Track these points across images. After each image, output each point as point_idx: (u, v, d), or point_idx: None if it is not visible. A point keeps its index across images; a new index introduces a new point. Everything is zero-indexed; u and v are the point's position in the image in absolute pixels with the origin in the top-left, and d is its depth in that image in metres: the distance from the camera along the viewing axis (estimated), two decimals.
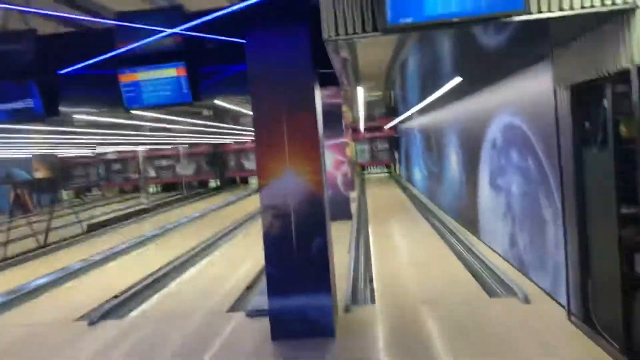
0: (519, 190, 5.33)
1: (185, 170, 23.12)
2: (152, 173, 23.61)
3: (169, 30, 3.96)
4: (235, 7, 3.71)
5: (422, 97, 8.45)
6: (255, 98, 3.94)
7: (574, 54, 3.36)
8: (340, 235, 6.22)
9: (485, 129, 6.32)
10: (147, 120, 14.66)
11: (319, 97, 4.16)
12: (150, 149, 22.56)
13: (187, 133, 17.53)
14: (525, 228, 5.23)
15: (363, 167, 23.53)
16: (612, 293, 3.30)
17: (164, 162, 23.53)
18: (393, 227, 9.12)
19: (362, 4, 2.63)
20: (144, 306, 5.50)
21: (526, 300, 4.42)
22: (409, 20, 2.47)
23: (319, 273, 3.95)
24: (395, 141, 21.87)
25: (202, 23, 3.88)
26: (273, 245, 3.98)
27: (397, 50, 10.89)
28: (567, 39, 3.42)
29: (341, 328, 4.10)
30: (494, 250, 6.29)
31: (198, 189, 22.74)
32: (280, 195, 3.92)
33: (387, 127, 21.18)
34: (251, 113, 4.06)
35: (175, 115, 12.46)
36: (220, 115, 18.89)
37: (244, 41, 3.95)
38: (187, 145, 22.77)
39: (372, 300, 4.99)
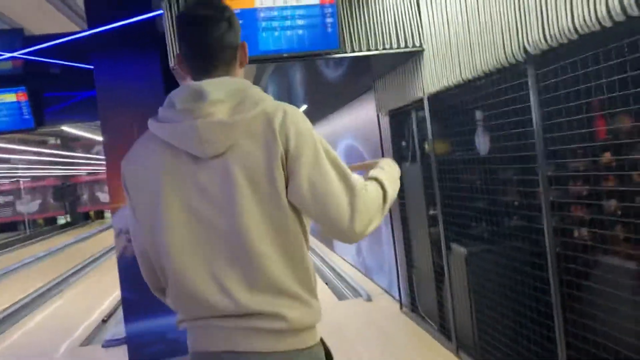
0: None
1: (28, 206, 20.67)
2: None
3: (8, 55, 3.83)
4: (80, 34, 3.76)
5: None
6: (105, 123, 3.97)
7: (389, 85, 4.08)
8: None
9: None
10: None
11: None
12: None
13: (30, 164, 15.89)
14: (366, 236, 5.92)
15: None
16: (428, 283, 3.99)
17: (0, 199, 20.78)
18: None
19: None
20: None
21: (368, 299, 5.03)
22: None
23: None
24: None
25: (47, 47, 3.84)
26: (127, 269, 3.97)
27: (257, 81, 11.43)
28: (384, 72, 4.14)
29: None
30: (345, 260, 6.94)
31: (44, 226, 20.48)
32: None
33: None
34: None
35: (16, 144, 11.33)
36: (70, 144, 17.49)
37: (91, 67, 3.98)
38: (29, 178, 20.47)
39: None
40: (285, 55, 2.91)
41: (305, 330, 1.12)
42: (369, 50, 3.14)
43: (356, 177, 1.13)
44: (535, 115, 2.20)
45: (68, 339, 4.97)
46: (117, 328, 5.06)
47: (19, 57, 4.06)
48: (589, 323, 2.10)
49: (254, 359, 1.08)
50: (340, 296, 5.45)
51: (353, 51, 3.11)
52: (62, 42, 3.75)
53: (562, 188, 2.20)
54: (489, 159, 2.93)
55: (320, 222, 1.09)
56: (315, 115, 7.26)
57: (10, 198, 20.75)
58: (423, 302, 4.20)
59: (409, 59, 3.50)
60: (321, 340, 1.18)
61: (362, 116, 5.35)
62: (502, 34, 2.32)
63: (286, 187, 1.06)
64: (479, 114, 3.16)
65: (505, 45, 2.31)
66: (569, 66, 1.99)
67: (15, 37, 4.38)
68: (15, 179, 20.05)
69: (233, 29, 1.17)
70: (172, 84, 4.23)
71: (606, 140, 2.01)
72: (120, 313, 5.85)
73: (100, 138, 9.57)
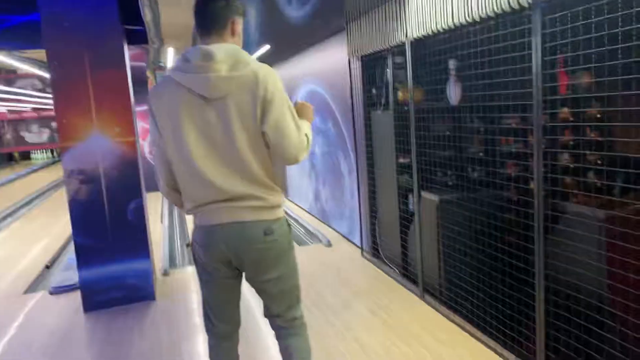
0: (321, 150, 5.97)
1: None
2: None
3: None
4: None
5: None
6: (53, 54, 3.52)
7: (363, 28, 3.92)
8: (151, 206, 6.04)
9: (292, 96, 6.81)
10: None
11: (128, 54, 3.95)
12: None
13: None
14: (326, 183, 5.91)
15: None
16: (392, 229, 4.06)
17: None
18: None
19: None
20: None
21: (329, 244, 5.07)
22: None
23: (137, 236, 3.85)
24: None
25: None
26: (81, 213, 3.71)
27: None
28: (358, 15, 3.96)
29: (160, 290, 4.10)
30: (302, 207, 6.93)
31: None
32: (88, 159, 3.66)
33: None
34: (35, 72, 3.63)
35: None
36: None
37: None
38: None
39: (191, 263, 5.05)
40: None
41: (276, 207, 1.81)
42: None
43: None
44: (535, 63, 2.18)
45: (7, 286, 4.65)
46: (63, 274, 4.80)
47: None
48: (567, 266, 2.20)
49: (248, 225, 1.76)
50: (300, 242, 5.45)
51: None
52: None
53: (553, 138, 2.23)
54: (467, 107, 2.92)
55: (276, 145, 1.71)
56: (277, 57, 6.95)
57: None
58: (385, 248, 4.29)
59: (391, 0, 3.35)
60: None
61: (329, 60, 5.17)
62: None
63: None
64: (452, 63, 3.13)
65: None
66: (580, 13, 1.95)
67: None
68: None
69: (228, 6, 1.77)
70: (127, 13, 3.82)
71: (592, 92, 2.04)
72: (63, 259, 5.56)
73: (29, 70, 8.66)
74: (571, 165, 2.20)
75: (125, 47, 3.82)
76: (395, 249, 4.07)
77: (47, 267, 5.24)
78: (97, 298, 3.81)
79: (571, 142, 2.21)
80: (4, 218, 8.31)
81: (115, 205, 3.76)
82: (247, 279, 1.90)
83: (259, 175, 1.73)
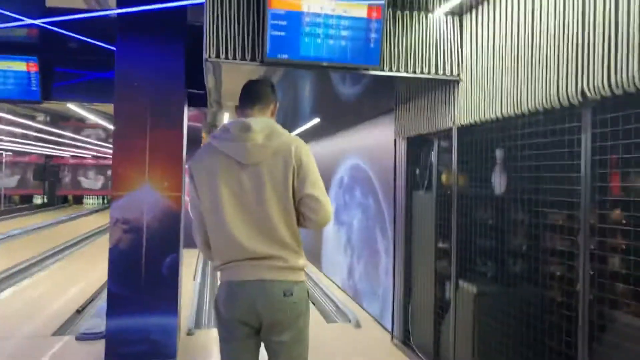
0: (359, 225, 5.94)
1: (6, 181, 20.04)
2: None
3: (30, 21, 3.66)
4: (108, 12, 3.63)
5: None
6: (119, 107, 3.81)
7: (412, 111, 4.02)
8: (187, 262, 6.12)
9: (334, 169, 6.93)
10: None
11: (187, 116, 4.20)
12: None
13: (14, 136, 15.45)
14: (361, 260, 5.80)
15: None
16: (426, 317, 3.88)
17: None
18: None
19: (245, 35, 2.85)
20: None
21: (357, 325, 4.88)
22: (285, 56, 2.76)
23: (168, 292, 3.85)
24: None
25: (69, 20, 3.69)
26: (119, 260, 3.79)
27: None
28: (408, 97, 4.08)
29: (182, 350, 4.03)
30: (334, 282, 6.79)
31: (20, 204, 19.85)
32: (134, 209, 3.80)
33: None
34: (101, 123, 3.90)
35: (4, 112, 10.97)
36: (59, 122, 17.04)
37: (111, 47, 3.84)
38: (11, 153, 19.90)
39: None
40: (324, 64, 2.82)
41: (298, 269, 1.91)
42: (406, 72, 3.08)
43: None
44: (585, 161, 2.14)
45: (37, 326, 4.71)
46: (92, 321, 4.82)
47: (37, 26, 3.88)
48: None
49: (269, 284, 1.85)
50: (328, 318, 5.28)
51: (391, 70, 3.04)
52: (87, 17, 3.60)
53: (601, 239, 2.12)
54: (516, 198, 2.86)
55: (311, 208, 1.86)
56: (324, 131, 7.17)
57: None
58: (417, 336, 4.08)
59: (441, 87, 3.44)
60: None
61: (375, 137, 5.28)
62: (558, 72, 2.27)
63: (293, 189, 1.86)
64: (499, 152, 3.11)
65: (560, 86, 2.25)
66: (632, 116, 1.93)
67: (35, 5, 4.21)
68: None
69: (273, 91, 2.05)
70: (190, 76, 4.11)
71: None
72: (95, 305, 5.61)
73: (94, 119, 9.30)
74: (623, 271, 2.07)
75: (186, 109, 4.07)
76: (427, 338, 3.86)
77: (78, 311, 5.30)
78: (120, 349, 3.77)
79: (623, 246, 2.10)
80: (47, 258, 8.59)
81: (153, 257, 3.82)
82: (262, 339, 1.94)
83: (284, 238, 1.85)
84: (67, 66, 4.66)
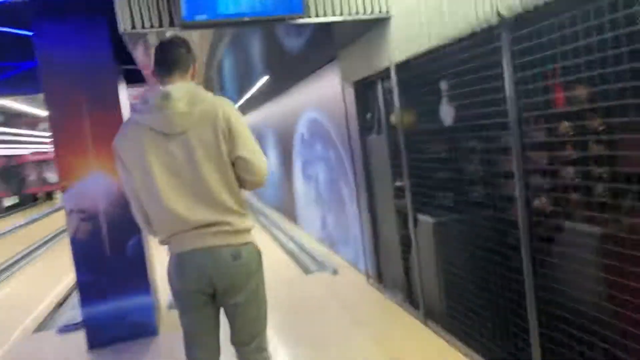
0: (324, 177, 5.97)
1: None
2: None
3: None
4: None
5: (239, 97, 8.75)
6: (50, 96, 3.65)
7: (353, 55, 3.96)
8: None
9: (295, 126, 6.88)
10: None
11: (125, 94, 4.06)
12: None
13: None
14: (332, 210, 5.88)
15: None
16: (394, 254, 3.99)
17: None
18: None
19: (159, 0, 2.72)
20: None
21: (335, 272, 5.01)
22: (203, 17, 2.65)
23: (137, 273, 3.87)
24: None
25: None
26: (82, 250, 3.76)
27: (212, 52, 11.00)
28: (348, 42, 4.01)
29: (165, 325, 4.09)
30: (311, 236, 6.90)
31: None
32: (87, 197, 3.73)
33: None
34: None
35: None
36: (13, 120, 16.38)
37: (30, 34, 3.64)
38: None
39: None
40: (246, 19, 2.73)
41: (244, 231, 1.90)
42: (333, 15, 3.00)
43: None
44: (508, 81, 2.15)
45: (19, 325, 4.70)
46: (72, 313, 4.84)
47: None
48: (558, 287, 2.12)
49: (217, 250, 1.84)
50: (307, 270, 5.40)
51: (317, 16, 2.96)
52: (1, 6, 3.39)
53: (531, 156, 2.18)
54: (457, 127, 2.89)
55: (248, 169, 1.84)
56: (277, 88, 7.05)
57: None
58: (389, 273, 4.21)
59: (374, 27, 3.38)
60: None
61: (326, 88, 5.22)
62: None
63: (227, 151, 1.82)
64: (444, 84, 3.11)
65: (478, 10, 2.23)
66: (545, 29, 1.93)
67: None
68: None
69: (189, 54, 1.94)
70: (126, 52, 3.94)
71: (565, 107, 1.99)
72: (74, 298, 5.61)
73: (45, 113, 9.00)
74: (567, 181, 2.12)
75: (122, 88, 3.93)
76: (398, 274, 3.99)
77: (60, 305, 5.30)
78: (101, 335, 3.81)
79: (572, 156, 2.13)
80: (24, 257, 8.48)
81: (115, 241, 3.80)
82: (219, 304, 1.95)
83: (225, 202, 1.83)
84: None
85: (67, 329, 4.32)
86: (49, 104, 3.67)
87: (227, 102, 1.88)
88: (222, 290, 1.88)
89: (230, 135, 1.81)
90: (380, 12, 3.09)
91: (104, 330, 3.81)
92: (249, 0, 2.68)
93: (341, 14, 3.01)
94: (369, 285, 4.51)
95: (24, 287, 6.56)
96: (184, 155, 1.79)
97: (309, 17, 2.92)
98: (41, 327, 4.64)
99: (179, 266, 1.87)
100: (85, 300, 3.79)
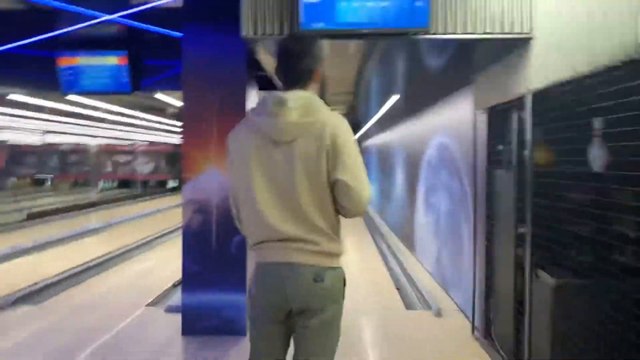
0: (445, 208, 5.52)
1: (143, 167, 22.60)
2: (109, 168, 22.98)
3: (107, 17, 3.94)
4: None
5: (374, 115, 8.68)
6: (187, 93, 3.96)
7: (489, 79, 3.56)
8: None
9: (424, 149, 6.53)
10: (105, 112, 14.37)
11: (254, 99, 4.22)
12: (109, 144, 22.05)
13: (148, 130, 17.24)
14: (448, 245, 5.40)
15: None
16: (506, 308, 3.45)
17: (122, 158, 22.95)
18: None
19: (282, 8, 2.73)
20: (63, 295, 5.38)
21: (438, 314, 4.56)
22: (320, 25, 2.58)
23: (237, 270, 3.96)
24: None
25: (142, 12, 3.90)
26: (192, 239, 3.98)
27: (361, 68, 11.13)
28: (487, 64, 3.62)
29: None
30: (425, 268, 6.46)
31: (155, 188, 22.28)
32: (204, 190, 3.94)
33: None
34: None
35: (138, 111, 12.32)
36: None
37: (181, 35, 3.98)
38: (147, 143, 22.34)
39: None
40: (364, 31, 2.59)
41: (332, 255, 1.78)
42: (464, 33, 2.70)
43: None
44: None
45: (141, 297, 5.15)
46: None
47: (117, 21, 4.15)
48: None
49: (298, 267, 1.74)
50: (409, 305, 5.02)
51: (445, 33, 2.69)
52: (156, 8, 3.77)
53: None
54: (609, 175, 2.35)
55: (347, 194, 1.71)
56: (409, 109, 6.79)
57: (129, 158, 22.88)
58: (498, 330, 3.67)
59: (515, 48, 2.98)
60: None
61: (460, 112, 4.82)
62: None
63: (327, 171, 1.71)
64: (598, 121, 2.57)
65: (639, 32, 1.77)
66: None
67: (121, 1, 4.51)
68: (134, 142, 22.01)
69: (313, 58, 1.83)
70: (252, 60, 4.10)
71: None
72: None
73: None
74: None
75: (252, 92, 4.08)
76: (508, 332, 3.45)
77: (175, 285, 5.73)
78: (195, 323, 3.98)
79: None
80: (160, 237, 9.50)
81: (223, 237, 3.94)
82: (293, 327, 1.84)
83: (314, 220, 1.73)
84: (154, 58, 4.97)
85: (174, 308, 4.60)
86: (185, 100, 3.96)
87: (340, 118, 1.77)
88: (296, 311, 1.77)
89: (333, 153, 1.70)
90: (521, 31, 2.70)
91: (199, 319, 3.97)
92: (368, 9, 2.53)
93: (474, 32, 2.70)
94: (472, 337, 3.99)
95: (151, 263, 7.29)
96: (284, 164, 1.72)
97: (436, 33, 2.66)
98: (155, 302, 5.02)
99: (259, 275, 1.81)
100: (187, 287, 3.99)
